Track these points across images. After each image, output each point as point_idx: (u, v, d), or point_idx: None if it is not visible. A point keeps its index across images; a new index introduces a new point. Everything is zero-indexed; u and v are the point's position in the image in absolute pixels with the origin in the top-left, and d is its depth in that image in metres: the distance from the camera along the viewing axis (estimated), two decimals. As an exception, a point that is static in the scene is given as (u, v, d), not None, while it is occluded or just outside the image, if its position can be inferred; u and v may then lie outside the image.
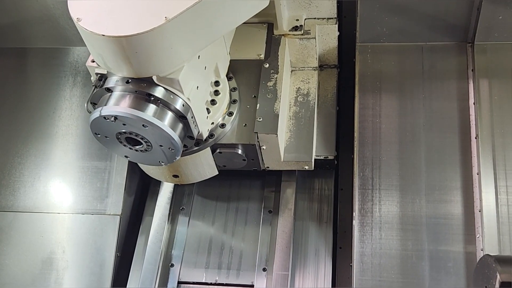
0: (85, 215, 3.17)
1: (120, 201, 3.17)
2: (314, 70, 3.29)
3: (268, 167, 3.08)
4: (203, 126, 2.66)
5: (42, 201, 3.23)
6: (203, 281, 3.03)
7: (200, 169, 2.96)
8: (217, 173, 3.04)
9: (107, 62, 2.31)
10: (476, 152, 2.93)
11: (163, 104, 2.38)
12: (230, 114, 2.87)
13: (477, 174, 2.88)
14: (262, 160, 3.00)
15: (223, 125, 2.83)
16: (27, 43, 3.63)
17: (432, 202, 2.88)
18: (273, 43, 3.08)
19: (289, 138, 3.08)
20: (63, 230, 3.16)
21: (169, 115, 2.42)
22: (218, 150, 2.86)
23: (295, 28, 3.13)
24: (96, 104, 2.47)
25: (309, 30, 3.13)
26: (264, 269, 3.01)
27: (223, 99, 2.82)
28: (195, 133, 2.60)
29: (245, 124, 2.86)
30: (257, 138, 2.84)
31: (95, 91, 2.40)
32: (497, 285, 1.67)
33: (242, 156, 2.90)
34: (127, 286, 3.10)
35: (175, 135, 2.44)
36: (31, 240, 3.15)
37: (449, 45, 3.20)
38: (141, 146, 2.52)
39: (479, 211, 2.81)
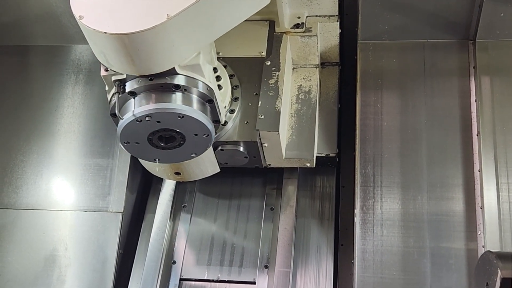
0: (88, 212, 3.18)
1: (122, 198, 3.18)
2: (316, 67, 3.29)
3: (269, 165, 3.09)
4: (221, 109, 2.70)
5: (44, 199, 3.24)
6: (205, 278, 3.04)
7: (202, 167, 2.96)
8: (219, 170, 3.05)
9: (109, 59, 2.32)
10: (477, 149, 2.93)
11: (189, 92, 2.42)
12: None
13: (479, 171, 2.88)
14: (264, 157, 3.01)
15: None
16: (29, 41, 3.64)
17: (434, 199, 2.89)
18: (274, 41, 3.09)
19: (290, 136, 3.08)
20: (66, 228, 3.17)
21: (198, 101, 2.46)
22: (220, 148, 2.87)
23: (297, 26, 3.13)
24: (113, 114, 2.47)
25: (311, 27, 3.13)
26: (266, 266, 3.01)
27: (226, 83, 2.85)
28: (222, 115, 2.66)
29: (247, 122, 2.87)
30: (259, 135, 2.85)
31: (118, 98, 2.38)
32: (498, 281, 1.67)
33: (243, 153, 2.90)
34: (129, 283, 3.11)
35: (209, 120, 2.49)
36: (33, 237, 3.16)
37: (451, 42, 3.20)
38: (175, 142, 2.53)
39: (481, 208, 2.81)
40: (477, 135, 2.96)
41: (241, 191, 3.28)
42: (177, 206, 3.28)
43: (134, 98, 2.39)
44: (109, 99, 2.48)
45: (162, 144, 2.55)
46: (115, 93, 2.39)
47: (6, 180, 3.32)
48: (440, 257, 2.78)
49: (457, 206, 2.86)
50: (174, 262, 3.10)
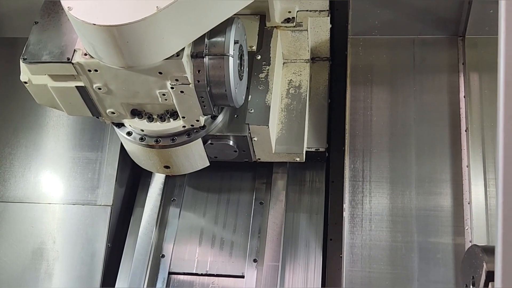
0: (76, 205, 3.17)
1: (111, 192, 3.17)
2: (306, 62, 3.29)
3: (259, 159, 3.09)
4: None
5: (32, 192, 3.23)
6: (194, 271, 3.04)
7: (191, 160, 2.96)
8: (208, 164, 3.05)
9: (98, 51, 2.30)
10: (466, 145, 2.95)
11: None
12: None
13: (467, 166, 2.90)
14: (254, 151, 3.01)
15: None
16: (18, 33, 3.60)
17: (422, 194, 2.90)
18: (265, 35, 3.08)
19: (280, 130, 3.09)
20: (54, 221, 3.15)
21: None
22: (209, 141, 2.87)
23: (287, 20, 3.13)
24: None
25: (301, 22, 3.13)
26: (254, 260, 3.02)
27: None
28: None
29: (237, 116, 2.87)
30: (249, 129, 2.85)
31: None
32: (484, 274, 1.69)
33: (233, 147, 2.90)
34: (118, 277, 3.10)
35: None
36: (21, 230, 3.15)
37: (440, 38, 3.21)
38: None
39: (468, 203, 2.83)
40: (466, 131, 2.97)
41: (230, 185, 3.28)
42: (166, 200, 3.28)
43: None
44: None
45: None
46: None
47: (-6, 173, 3.30)
48: (427, 252, 2.80)
49: (445, 201, 2.88)
50: (163, 256, 3.10)
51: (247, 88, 2.90)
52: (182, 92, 2.50)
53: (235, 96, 2.61)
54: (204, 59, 2.45)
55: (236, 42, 2.53)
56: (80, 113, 2.73)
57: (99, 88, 2.53)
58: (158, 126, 2.74)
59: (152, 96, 2.56)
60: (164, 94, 2.54)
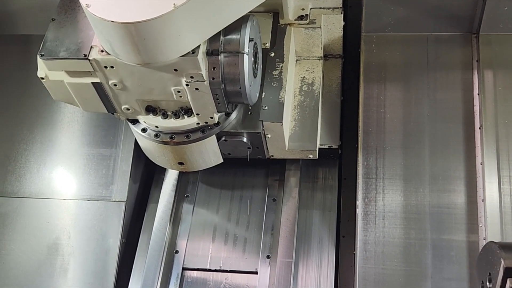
0: (91, 201, 3.19)
1: (126, 188, 3.19)
2: (319, 59, 3.29)
3: (272, 156, 3.10)
4: None
5: (47, 187, 3.26)
6: (208, 267, 3.06)
7: (205, 157, 2.97)
8: (222, 161, 3.06)
9: (115, 48, 2.32)
10: (479, 142, 2.94)
11: None
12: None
13: (481, 164, 2.90)
14: (267, 148, 3.02)
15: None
16: (32, 30, 3.63)
17: (436, 192, 2.90)
18: (278, 32, 3.09)
19: (293, 127, 3.09)
20: (69, 216, 3.18)
21: None
22: (223, 138, 2.88)
23: (301, 18, 3.13)
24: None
25: (315, 19, 3.13)
26: (268, 256, 3.03)
27: None
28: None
29: (251, 112, 2.88)
30: (262, 126, 2.86)
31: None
32: (502, 270, 1.69)
33: (247, 144, 2.91)
34: (132, 272, 3.13)
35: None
36: (36, 226, 3.18)
37: (454, 35, 3.20)
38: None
39: (482, 201, 2.83)
40: (480, 128, 2.97)
41: (243, 182, 3.30)
42: (180, 196, 3.29)
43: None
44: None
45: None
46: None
47: (10, 168, 3.33)
48: (441, 249, 2.80)
49: (458, 198, 2.88)
50: (177, 252, 3.12)
51: (261, 85, 2.92)
52: (197, 89, 2.52)
53: (249, 94, 2.62)
54: (219, 56, 2.47)
55: (251, 40, 2.55)
56: (95, 109, 2.76)
57: (115, 85, 2.55)
58: (172, 123, 2.76)
59: (167, 93, 2.58)
60: (179, 91, 2.56)
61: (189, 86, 2.50)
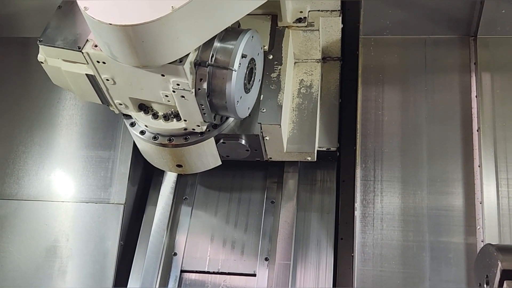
0: (89, 203, 3.19)
1: (124, 190, 3.20)
2: (317, 62, 3.30)
3: (270, 158, 3.10)
4: None
5: (46, 190, 3.26)
6: (206, 270, 3.06)
7: (203, 159, 2.98)
8: (221, 163, 3.06)
9: (113, 51, 2.33)
10: (477, 144, 2.95)
11: None
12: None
13: (479, 166, 2.90)
14: (265, 150, 3.03)
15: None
16: (31, 33, 3.63)
17: (434, 194, 2.91)
18: (277, 35, 3.09)
19: (292, 129, 3.10)
20: (67, 219, 3.18)
21: None
22: (221, 140, 2.89)
23: (299, 20, 3.14)
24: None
25: (313, 22, 3.14)
26: (266, 259, 3.03)
27: None
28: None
29: (249, 115, 2.88)
30: (261, 128, 2.86)
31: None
32: (499, 273, 1.69)
33: (245, 146, 2.92)
34: (130, 275, 3.12)
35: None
36: (35, 228, 3.18)
37: (452, 38, 3.21)
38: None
39: (480, 203, 2.83)
40: (478, 130, 2.97)
41: (242, 184, 3.30)
42: (178, 199, 3.30)
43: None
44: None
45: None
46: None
47: (8, 171, 3.33)
48: (439, 251, 2.80)
49: (456, 200, 2.88)
50: (175, 254, 3.12)
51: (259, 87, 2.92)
52: (183, 97, 2.51)
53: (237, 109, 2.58)
54: (207, 68, 2.44)
55: (243, 56, 2.50)
56: (90, 99, 2.78)
57: (107, 79, 2.57)
58: (160, 125, 2.75)
59: (156, 95, 2.59)
60: (167, 96, 2.55)
61: (175, 93, 2.50)
